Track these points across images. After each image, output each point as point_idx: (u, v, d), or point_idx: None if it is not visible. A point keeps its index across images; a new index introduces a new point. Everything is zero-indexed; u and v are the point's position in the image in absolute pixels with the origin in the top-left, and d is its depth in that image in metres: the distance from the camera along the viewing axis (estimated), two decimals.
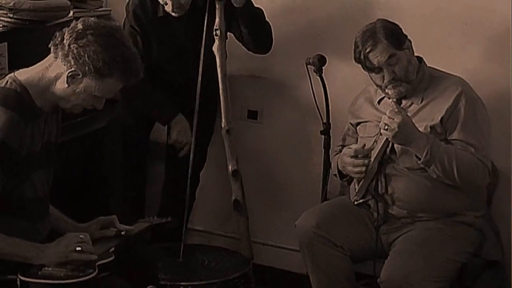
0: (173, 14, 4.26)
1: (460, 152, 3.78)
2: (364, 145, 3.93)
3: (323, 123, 4.14)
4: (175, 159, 4.50)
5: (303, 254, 3.99)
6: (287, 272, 4.63)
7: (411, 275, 3.68)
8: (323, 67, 4.13)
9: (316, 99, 4.13)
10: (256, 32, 4.37)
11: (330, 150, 4.16)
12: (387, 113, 3.70)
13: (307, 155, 4.55)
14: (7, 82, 3.17)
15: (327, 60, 4.14)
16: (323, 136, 4.15)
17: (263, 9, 4.36)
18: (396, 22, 3.91)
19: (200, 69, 4.30)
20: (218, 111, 4.41)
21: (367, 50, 3.83)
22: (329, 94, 4.12)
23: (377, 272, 3.81)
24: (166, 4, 4.22)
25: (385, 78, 3.86)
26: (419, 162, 3.76)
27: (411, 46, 3.92)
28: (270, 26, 4.39)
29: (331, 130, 4.15)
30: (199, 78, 4.31)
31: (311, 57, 4.15)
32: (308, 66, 4.16)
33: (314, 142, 4.28)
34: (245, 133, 4.72)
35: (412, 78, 3.89)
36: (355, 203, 4.01)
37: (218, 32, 4.23)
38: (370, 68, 3.87)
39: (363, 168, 3.88)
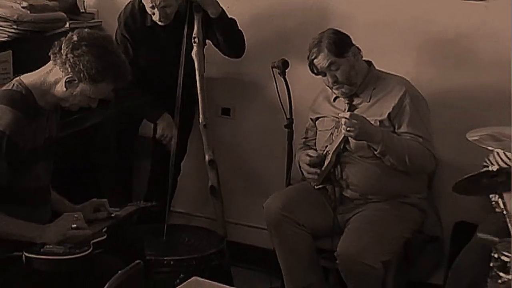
0: (159, 23, 4.23)
1: (410, 142, 3.82)
2: (318, 155, 3.96)
3: (287, 119, 4.14)
4: (159, 151, 4.49)
5: (270, 232, 4.01)
6: (257, 248, 4.63)
7: (363, 249, 3.72)
8: (286, 70, 4.14)
9: (281, 98, 4.12)
10: (230, 39, 4.36)
11: (292, 142, 4.16)
12: (347, 116, 3.71)
13: (273, 146, 4.54)
14: (13, 85, 3.19)
15: (290, 64, 4.15)
16: (286, 130, 4.15)
17: (236, 19, 4.36)
18: (345, 32, 3.94)
19: (181, 72, 4.29)
20: (196, 108, 4.39)
21: (312, 57, 3.88)
22: (291, 94, 4.13)
23: (334, 247, 3.84)
24: (154, 14, 4.20)
25: (329, 81, 3.90)
26: (375, 153, 3.80)
27: (359, 53, 3.94)
28: (242, 34, 4.38)
29: (293, 125, 4.15)
30: (180, 80, 4.30)
31: (276, 61, 4.15)
32: (274, 69, 4.15)
33: (279, 135, 4.26)
34: (220, 128, 4.71)
35: (355, 81, 3.90)
36: (315, 187, 4.04)
37: (196, 39, 4.22)
38: (315, 72, 3.91)
39: (316, 176, 3.94)
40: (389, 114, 3.86)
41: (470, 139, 3.12)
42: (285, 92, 4.13)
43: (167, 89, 4.39)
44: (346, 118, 3.70)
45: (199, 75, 4.28)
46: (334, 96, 4.04)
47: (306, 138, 4.22)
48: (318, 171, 3.94)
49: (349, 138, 3.83)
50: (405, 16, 4.25)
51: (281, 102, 4.15)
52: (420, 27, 4.24)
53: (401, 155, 3.79)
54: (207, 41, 4.38)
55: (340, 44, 3.87)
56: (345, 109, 3.92)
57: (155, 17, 4.21)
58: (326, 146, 3.99)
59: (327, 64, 3.85)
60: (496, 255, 3.29)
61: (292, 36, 4.49)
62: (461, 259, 3.58)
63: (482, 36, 4.13)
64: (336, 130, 3.92)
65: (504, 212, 3.28)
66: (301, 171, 4.11)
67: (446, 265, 3.96)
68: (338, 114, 3.85)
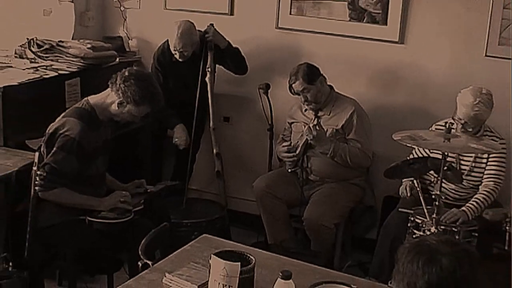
0: (180, 60, 4.23)
1: (351, 148, 3.84)
2: (291, 143, 3.96)
3: (269, 124, 4.17)
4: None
5: (257, 203, 4.02)
6: (248, 214, 4.59)
7: (322, 215, 3.75)
8: (268, 91, 4.17)
9: (264, 110, 4.16)
10: (237, 62, 4.33)
11: (273, 140, 4.19)
12: (308, 127, 3.73)
13: (259, 143, 4.52)
14: (82, 104, 3.21)
15: (271, 86, 4.18)
16: (268, 132, 4.19)
17: (239, 48, 4.33)
18: (316, 65, 3.93)
19: (198, 92, 4.27)
20: (207, 116, 4.37)
21: (291, 82, 3.89)
22: (272, 107, 4.16)
23: (302, 213, 3.86)
24: (176, 54, 4.19)
25: (302, 99, 3.91)
26: (327, 156, 3.82)
27: (324, 80, 3.93)
28: (244, 57, 4.35)
29: (273, 129, 4.18)
30: (197, 97, 4.28)
31: (261, 84, 4.19)
32: (260, 90, 4.19)
33: (263, 135, 4.27)
34: (223, 130, 4.68)
35: (320, 100, 3.90)
36: (289, 171, 4.03)
37: (209, 69, 4.21)
38: (292, 92, 3.92)
39: (293, 158, 3.94)
40: (342, 125, 3.88)
41: (395, 138, 3.15)
42: (267, 106, 4.16)
43: (187, 104, 4.36)
44: (309, 126, 3.73)
45: (210, 94, 4.24)
46: (305, 107, 4.02)
47: (283, 135, 4.20)
48: (295, 153, 3.92)
49: None
50: (356, 54, 4.25)
51: (264, 113, 4.19)
52: (366, 62, 4.24)
53: (345, 158, 3.83)
54: (216, 69, 4.33)
55: (311, 74, 3.87)
56: (312, 119, 3.92)
57: (176, 57, 4.21)
58: (297, 142, 3.99)
59: (301, 88, 3.86)
60: (412, 218, 3.34)
61: (273, 66, 4.47)
62: (388, 221, 3.62)
63: (404, 68, 4.15)
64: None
65: (418, 189, 3.33)
66: (279, 159, 4.10)
67: (378, 226, 3.98)
68: (307, 123, 3.85)
